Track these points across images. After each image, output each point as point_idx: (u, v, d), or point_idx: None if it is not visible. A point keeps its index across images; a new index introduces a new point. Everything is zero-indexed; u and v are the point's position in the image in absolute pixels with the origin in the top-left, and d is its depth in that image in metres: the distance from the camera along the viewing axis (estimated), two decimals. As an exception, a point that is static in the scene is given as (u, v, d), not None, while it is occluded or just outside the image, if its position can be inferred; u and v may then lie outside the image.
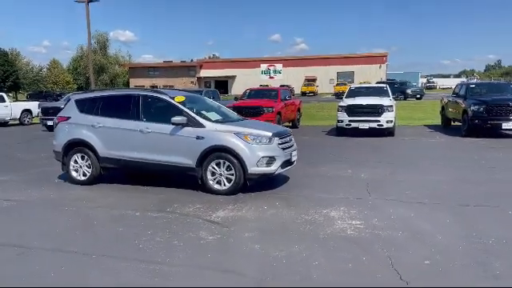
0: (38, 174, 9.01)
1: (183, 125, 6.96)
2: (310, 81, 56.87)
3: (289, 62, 61.30)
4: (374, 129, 14.49)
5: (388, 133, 14.77)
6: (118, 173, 8.11)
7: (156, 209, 6.11)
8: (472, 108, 13.73)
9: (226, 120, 7.53)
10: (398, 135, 14.50)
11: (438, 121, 18.04)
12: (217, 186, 6.85)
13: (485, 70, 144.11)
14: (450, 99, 16.49)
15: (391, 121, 14.63)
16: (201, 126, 6.94)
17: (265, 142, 6.79)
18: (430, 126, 17.36)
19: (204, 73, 63.40)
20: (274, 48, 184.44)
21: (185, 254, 4.41)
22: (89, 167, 7.68)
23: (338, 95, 51.94)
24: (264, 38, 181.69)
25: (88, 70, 69.47)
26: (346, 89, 59.99)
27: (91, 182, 7.70)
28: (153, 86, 63.92)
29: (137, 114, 7.37)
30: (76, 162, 7.77)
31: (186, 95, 7.74)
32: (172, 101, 7.29)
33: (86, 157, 7.68)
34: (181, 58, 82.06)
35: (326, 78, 58.77)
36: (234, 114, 8.15)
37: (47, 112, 19.49)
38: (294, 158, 7.29)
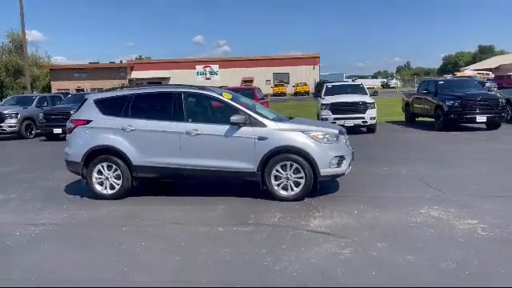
0: (33, 190, 7.53)
1: (240, 125, 6.17)
2: (248, 82, 56.74)
3: (225, 63, 60.70)
4: (359, 125, 14.59)
5: (369, 129, 14.96)
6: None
7: (235, 222, 5.27)
8: (447, 103, 14.35)
9: (280, 118, 6.83)
10: (377, 132, 14.71)
11: (394, 117, 18.80)
12: (283, 192, 6.15)
13: (396, 72, 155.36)
14: (417, 96, 17.13)
15: (374, 117, 14.83)
16: (261, 125, 6.19)
17: (333, 141, 6.24)
18: (394, 123, 17.82)
19: (135, 74, 60.26)
20: (197, 50, 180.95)
21: (344, 273, 3.73)
22: (118, 178, 6.53)
23: (277, 96, 52.58)
24: (187, 40, 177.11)
25: (1, 73, 62.66)
26: (285, 89, 60.65)
27: (121, 195, 6.56)
28: (78, 89, 59.40)
29: (180, 114, 6.39)
30: (100, 172, 6.57)
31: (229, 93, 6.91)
32: (223, 98, 6.43)
33: (114, 166, 6.51)
34: (98, 60, 76.37)
35: (262, 79, 59.02)
36: (277, 113, 7.44)
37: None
38: (354, 157, 6.82)
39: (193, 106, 6.60)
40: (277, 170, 6.13)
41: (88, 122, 6.64)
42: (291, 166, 6.10)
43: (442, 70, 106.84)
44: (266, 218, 5.40)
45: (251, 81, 57.57)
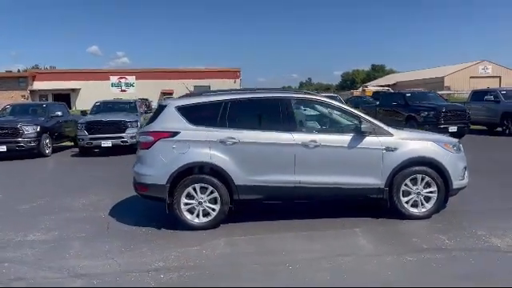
0: (71, 223, 5.75)
1: (365, 134, 5.38)
2: (167, 94, 54.39)
3: (142, 74, 57.55)
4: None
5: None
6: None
7: (406, 249, 4.46)
8: (422, 114, 15.04)
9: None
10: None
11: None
12: (413, 209, 5.48)
13: (299, 86, 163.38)
14: (383, 108, 17.70)
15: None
16: (388, 134, 5.47)
17: (458, 151, 5.77)
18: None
19: (39, 85, 53.98)
20: (94, 61, 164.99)
21: None
22: (214, 202, 5.25)
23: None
24: (81, 50, 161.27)
25: None
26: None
27: (217, 224, 5.29)
28: (-34, 101, 51.30)
29: (292, 124, 5.37)
30: (190, 196, 5.23)
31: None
32: (340, 104, 5.58)
33: (209, 188, 5.22)
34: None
35: (182, 92, 56.84)
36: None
37: None
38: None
39: (304, 113, 5.63)
40: (406, 185, 5.45)
41: (174, 134, 5.24)
42: (422, 179, 5.47)
43: (341, 86, 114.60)
44: (431, 241, 4.69)
45: (171, 93, 55.36)
